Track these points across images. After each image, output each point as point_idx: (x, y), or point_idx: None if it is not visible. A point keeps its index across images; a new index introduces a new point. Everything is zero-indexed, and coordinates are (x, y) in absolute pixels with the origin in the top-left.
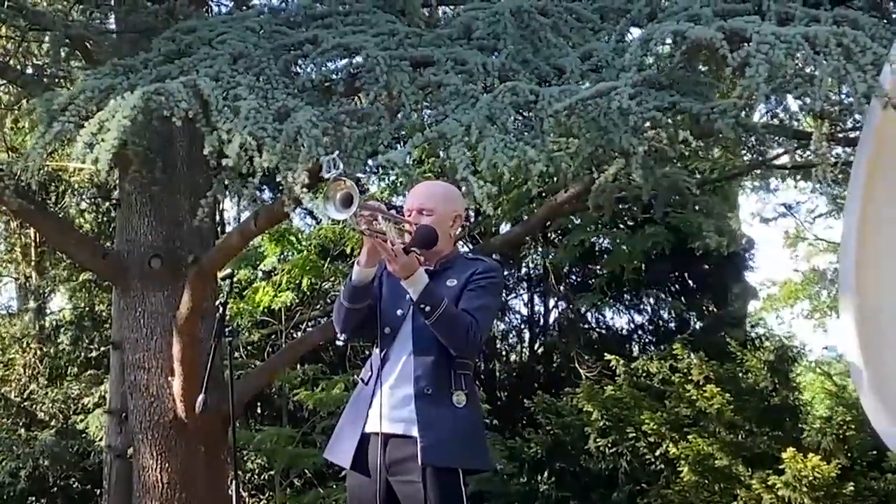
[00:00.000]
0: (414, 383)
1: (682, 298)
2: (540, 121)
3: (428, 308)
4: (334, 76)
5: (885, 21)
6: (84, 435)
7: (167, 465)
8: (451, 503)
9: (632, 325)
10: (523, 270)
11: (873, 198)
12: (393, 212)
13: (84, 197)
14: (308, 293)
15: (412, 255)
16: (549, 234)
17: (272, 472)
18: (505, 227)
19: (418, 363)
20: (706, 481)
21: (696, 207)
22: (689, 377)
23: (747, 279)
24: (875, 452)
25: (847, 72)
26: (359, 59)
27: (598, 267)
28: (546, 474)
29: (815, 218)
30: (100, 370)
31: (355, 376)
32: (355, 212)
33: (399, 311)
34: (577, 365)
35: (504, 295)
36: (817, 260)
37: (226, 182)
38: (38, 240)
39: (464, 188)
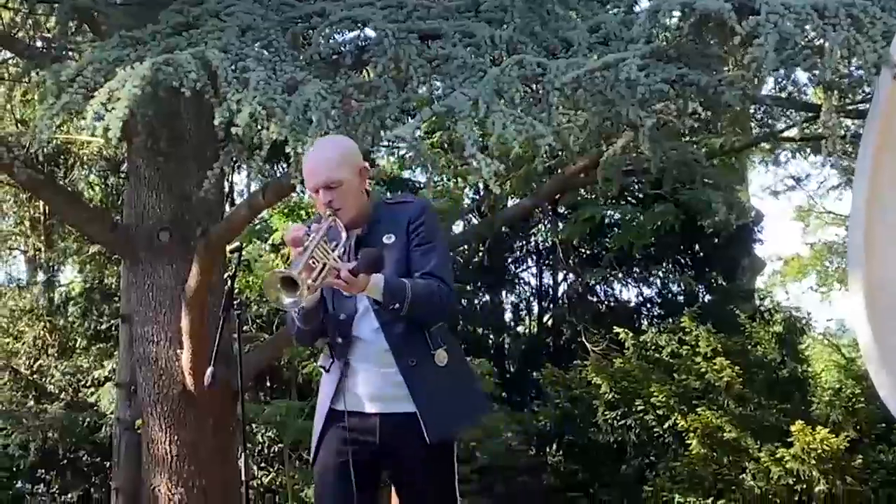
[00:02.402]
0: (396, 359)
1: (692, 271)
2: (547, 93)
3: (397, 305)
4: (342, 49)
5: None
6: (94, 408)
7: (176, 437)
8: (447, 472)
9: (640, 299)
10: (532, 243)
11: (883, 170)
12: (314, 235)
13: (93, 170)
14: None
15: (362, 275)
16: (558, 209)
17: (281, 445)
18: (514, 202)
19: (390, 337)
20: (715, 454)
21: (705, 181)
22: (698, 350)
23: (756, 252)
24: (884, 425)
25: (857, 41)
26: (367, 31)
27: (608, 240)
28: (554, 447)
29: (828, 190)
30: (109, 343)
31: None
32: (304, 284)
33: (347, 294)
34: (585, 338)
35: (513, 267)
36: (826, 233)
37: (233, 154)
38: (47, 213)
39: (473, 164)
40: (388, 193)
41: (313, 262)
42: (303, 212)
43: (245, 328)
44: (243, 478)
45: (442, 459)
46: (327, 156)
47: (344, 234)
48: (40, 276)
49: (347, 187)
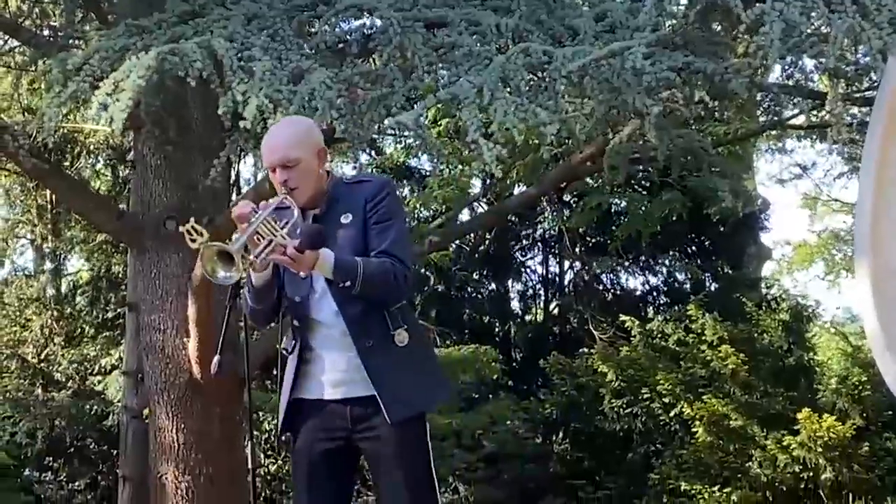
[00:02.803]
0: (354, 341)
1: (698, 260)
2: (553, 82)
3: (348, 283)
4: (348, 37)
5: None
6: (101, 396)
7: (183, 426)
8: (417, 452)
9: (647, 287)
10: (539, 231)
11: (889, 159)
12: (261, 212)
13: (99, 158)
14: None
15: (308, 252)
16: (564, 197)
17: (288, 434)
18: (520, 189)
19: (348, 318)
20: (721, 442)
21: (712, 169)
22: (704, 338)
23: (762, 240)
24: (891, 413)
25: (862, 29)
26: (373, 19)
27: (615, 229)
28: (561, 435)
29: (835, 178)
30: (116, 331)
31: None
32: (242, 258)
33: (302, 275)
34: (591, 326)
35: (520, 255)
36: (832, 221)
37: (239, 142)
38: (53, 201)
39: (475, 151)
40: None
41: (258, 238)
42: None
43: None
44: (250, 466)
45: (412, 439)
46: (285, 135)
47: (297, 212)
48: (47, 265)
49: (305, 167)
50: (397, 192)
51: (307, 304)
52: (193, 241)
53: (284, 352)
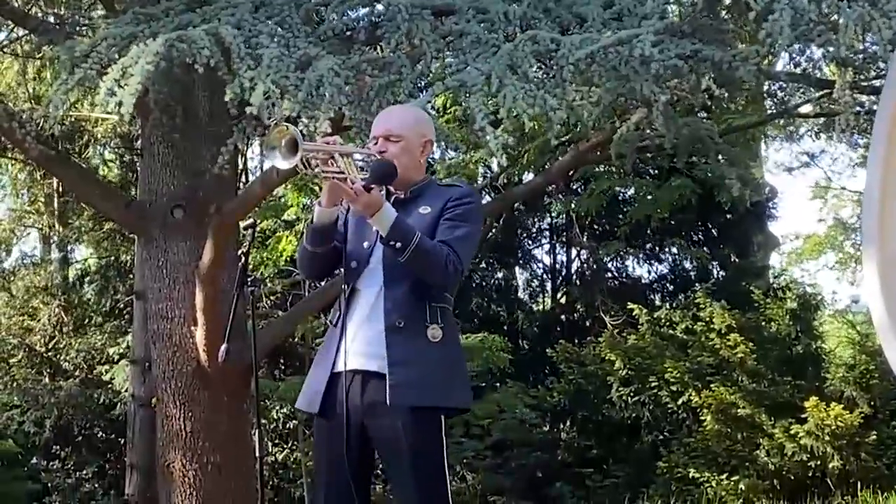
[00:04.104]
0: (385, 317)
1: (705, 248)
2: (560, 69)
3: (399, 244)
4: (356, 25)
5: None
6: (109, 385)
7: (190, 414)
8: (428, 446)
9: (654, 275)
10: (546, 219)
11: None
12: (352, 146)
13: (107, 147)
14: None
15: (375, 191)
16: (572, 184)
17: (295, 422)
18: (529, 177)
19: (389, 295)
20: (729, 430)
21: (720, 157)
22: (712, 326)
23: (770, 229)
24: None
25: (872, 18)
26: (380, 7)
27: (622, 216)
28: (568, 423)
29: (852, 167)
30: (124, 320)
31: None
32: (302, 156)
33: (366, 243)
34: (600, 314)
35: (527, 244)
36: (841, 209)
37: (247, 130)
38: (60, 190)
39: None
40: None
41: (331, 163)
42: (317, 187)
43: (259, 305)
44: (257, 454)
45: (424, 433)
46: (397, 112)
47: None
48: (55, 254)
49: (405, 146)
50: (480, 205)
51: (359, 273)
52: (273, 122)
53: (329, 323)
